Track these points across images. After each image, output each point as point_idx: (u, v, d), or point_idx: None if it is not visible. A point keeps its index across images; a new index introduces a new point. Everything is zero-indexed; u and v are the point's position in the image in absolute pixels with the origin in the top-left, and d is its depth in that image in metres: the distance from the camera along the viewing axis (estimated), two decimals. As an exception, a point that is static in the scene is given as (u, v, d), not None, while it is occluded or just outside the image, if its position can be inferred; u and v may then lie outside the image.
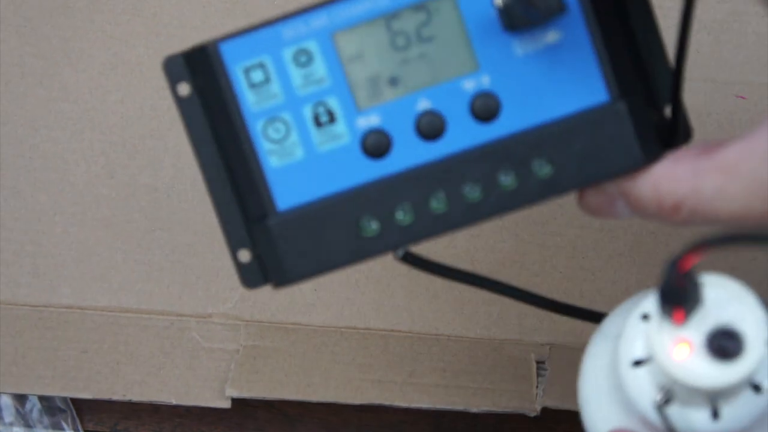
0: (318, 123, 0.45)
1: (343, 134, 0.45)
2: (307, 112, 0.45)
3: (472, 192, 0.45)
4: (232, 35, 0.45)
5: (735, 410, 0.42)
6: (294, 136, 0.45)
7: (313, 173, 0.45)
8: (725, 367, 0.41)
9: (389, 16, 0.45)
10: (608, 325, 0.48)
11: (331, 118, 0.45)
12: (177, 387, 0.63)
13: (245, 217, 0.46)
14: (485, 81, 0.45)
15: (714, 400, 0.42)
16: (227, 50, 0.45)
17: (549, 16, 0.43)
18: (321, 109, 0.45)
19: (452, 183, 0.45)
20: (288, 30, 0.45)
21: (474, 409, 0.62)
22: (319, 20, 0.45)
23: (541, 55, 0.44)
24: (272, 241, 0.45)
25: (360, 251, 0.45)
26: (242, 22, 0.69)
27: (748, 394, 0.42)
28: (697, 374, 0.41)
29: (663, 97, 0.47)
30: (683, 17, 0.43)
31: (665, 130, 0.46)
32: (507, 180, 0.45)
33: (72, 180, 0.65)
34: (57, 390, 0.63)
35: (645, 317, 0.43)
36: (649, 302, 0.43)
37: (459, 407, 0.62)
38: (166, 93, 0.66)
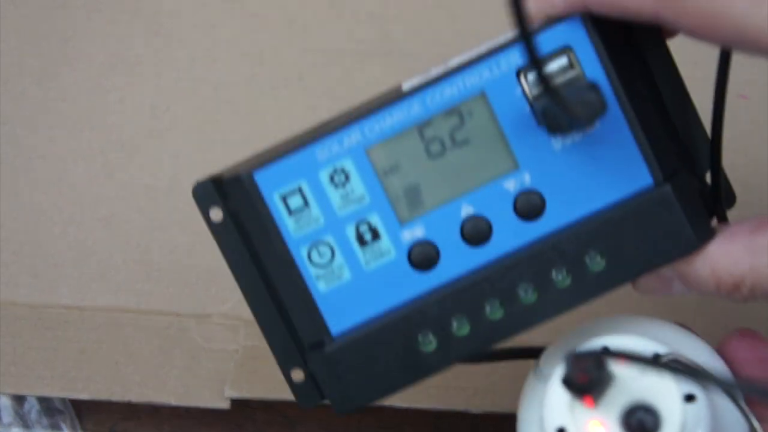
0: (362, 242, 0.45)
1: (389, 250, 0.45)
2: (350, 232, 0.45)
3: (527, 295, 0.44)
4: (265, 162, 0.44)
5: None
6: (340, 258, 0.45)
7: (363, 293, 0.45)
8: None
9: (421, 124, 0.44)
10: (543, 363, 0.47)
11: (375, 235, 0.45)
12: (176, 387, 0.63)
13: (295, 339, 0.46)
14: (526, 179, 0.44)
15: None
16: (262, 179, 0.44)
17: (593, 119, 0.42)
18: (364, 228, 0.45)
19: (505, 288, 0.44)
20: (322, 151, 0.44)
21: (474, 410, 0.62)
22: (352, 137, 0.44)
23: (579, 146, 0.43)
24: (331, 368, 0.45)
25: (420, 369, 0.45)
26: (240, 21, 0.69)
27: None
28: None
29: (703, 165, 0.46)
30: (717, 89, 0.44)
31: (708, 197, 0.45)
32: (560, 278, 0.44)
33: (71, 180, 0.65)
34: (56, 390, 0.63)
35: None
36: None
37: (459, 408, 0.62)
38: (165, 92, 0.66)
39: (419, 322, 0.44)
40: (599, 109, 0.41)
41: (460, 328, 0.44)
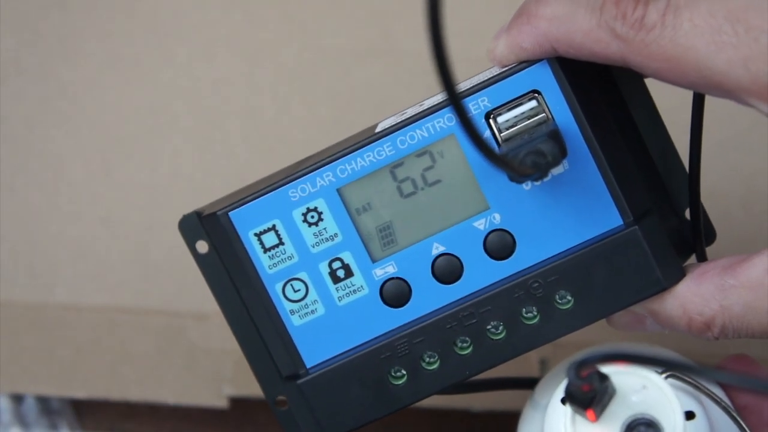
0: (335, 278, 0.46)
1: (362, 286, 0.46)
2: (324, 269, 0.46)
3: (496, 332, 0.45)
4: (241, 202, 0.46)
5: None
6: (313, 294, 0.46)
7: (336, 327, 0.46)
8: None
9: (393, 165, 0.45)
10: (538, 394, 0.47)
11: (348, 272, 0.46)
12: (174, 387, 0.63)
13: (277, 368, 0.47)
14: (497, 219, 0.45)
15: None
16: (238, 218, 0.46)
17: (547, 171, 0.42)
18: (337, 265, 0.46)
19: (475, 325, 0.45)
20: (294, 191, 0.45)
21: (474, 409, 0.62)
22: (324, 178, 0.45)
23: (549, 187, 0.44)
24: (304, 399, 0.46)
25: (391, 403, 0.46)
26: (239, 19, 0.69)
27: None
28: None
29: (682, 202, 0.47)
30: (693, 129, 0.44)
31: (688, 235, 0.46)
32: (530, 315, 0.45)
33: (69, 178, 0.65)
34: (54, 390, 0.63)
35: (564, 401, 0.42)
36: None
37: (459, 407, 0.62)
38: (163, 90, 0.66)
39: (390, 356, 0.46)
40: (554, 160, 0.42)
41: (431, 363, 0.45)
